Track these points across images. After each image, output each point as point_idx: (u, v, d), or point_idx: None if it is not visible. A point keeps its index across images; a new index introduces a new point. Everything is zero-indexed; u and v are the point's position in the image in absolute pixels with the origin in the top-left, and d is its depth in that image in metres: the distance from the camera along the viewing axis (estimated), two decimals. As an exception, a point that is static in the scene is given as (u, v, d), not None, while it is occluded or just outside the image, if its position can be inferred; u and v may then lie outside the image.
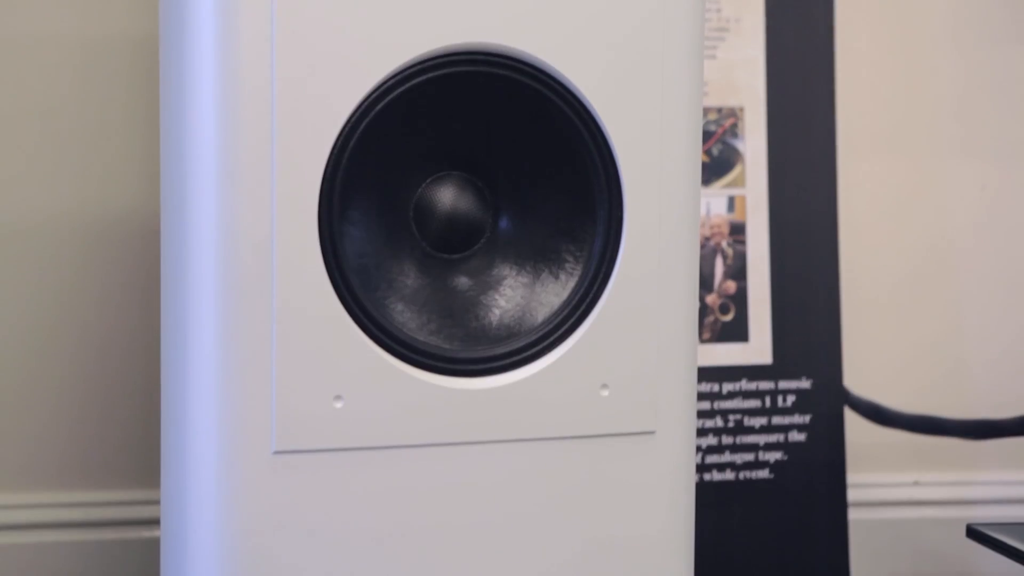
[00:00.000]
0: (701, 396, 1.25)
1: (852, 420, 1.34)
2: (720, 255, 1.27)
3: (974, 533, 1.10)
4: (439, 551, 0.85)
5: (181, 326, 0.83)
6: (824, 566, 1.28)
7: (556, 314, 0.87)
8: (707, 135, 1.27)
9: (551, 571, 0.87)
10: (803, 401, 1.28)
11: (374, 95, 0.82)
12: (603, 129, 0.86)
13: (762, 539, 1.26)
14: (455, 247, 0.87)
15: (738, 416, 1.27)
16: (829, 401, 1.28)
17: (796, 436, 1.27)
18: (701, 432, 1.25)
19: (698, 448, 1.25)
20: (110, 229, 1.25)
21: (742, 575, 1.26)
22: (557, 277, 0.87)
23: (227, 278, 0.81)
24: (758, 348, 1.27)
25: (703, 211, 1.26)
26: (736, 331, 1.27)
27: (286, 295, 0.81)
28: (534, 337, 0.86)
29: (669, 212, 0.87)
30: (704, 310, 1.25)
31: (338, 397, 0.82)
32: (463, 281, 0.87)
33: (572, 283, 0.87)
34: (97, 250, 1.25)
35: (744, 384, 1.27)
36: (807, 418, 1.28)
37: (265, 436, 0.81)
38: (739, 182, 1.28)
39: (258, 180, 0.80)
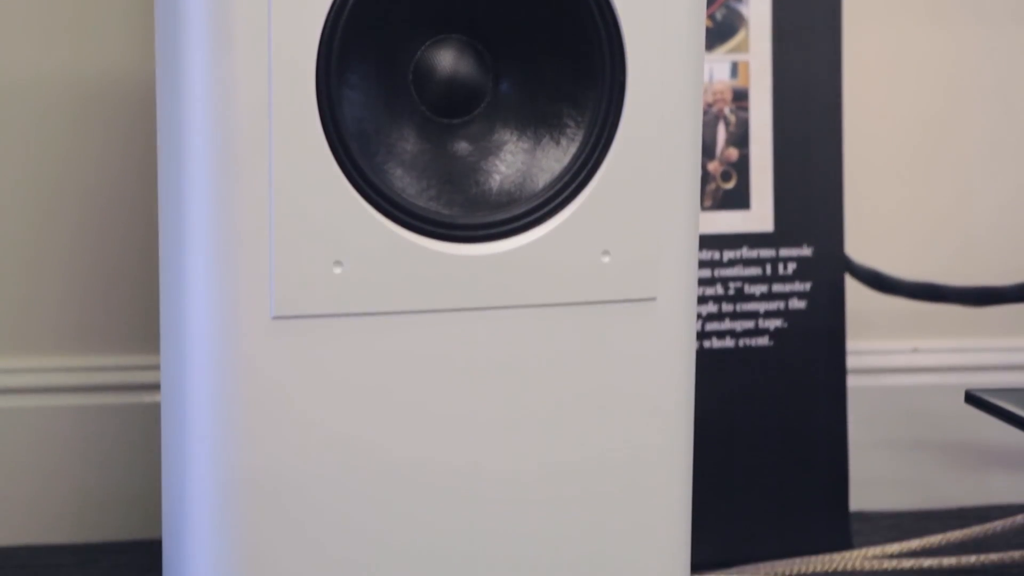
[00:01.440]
0: (702, 264, 1.25)
1: (852, 287, 1.34)
2: (722, 122, 1.26)
3: (973, 399, 1.10)
4: (437, 417, 0.85)
5: (178, 192, 0.83)
6: (823, 432, 1.28)
7: (557, 180, 0.86)
8: (710, -1, 1.26)
9: (550, 437, 0.87)
10: (804, 268, 1.28)
11: (372, -44, 0.81)
12: (605, -9, 0.85)
13: (761, 406, 1.27)
14: (455, 112, 0.86)
15: (738, 284, 1.27)
16: (830, 268, 1.28)
17: (796, 304, 1.28)
18: (701, 300, 1.25)
19: (698, 316, 1.25)
20: (106, 90, 1.23)
21: (741, 441, 1.27)
22: (558, 143, 0.87)
23: (224, 143, 0.80)
24: (759, 215, 1.27)
25: (706, 77, 1.25)
26: (737, 198, 1.27)
27: (284, 160, 0.80)
28: (535, 203, 0.86)
29: (672, 77, 0.87)
30: (706, 177, 1.25)
31: (337, 263, 0.82)
32: (463, 146, 0.86)
33: (573, 149, 0.86)
34: (93, 112, 1.24)
35: (745, 252, 1.27)
36: (807, 285, 1.28)
37: (264, 301, 0.81)
38: (742, 48, 1.26)
39: (254, 43, 0.79)
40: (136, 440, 1.26)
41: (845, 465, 1.29)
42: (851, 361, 1.35)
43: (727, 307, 1.26)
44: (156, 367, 1.25)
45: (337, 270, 0.82)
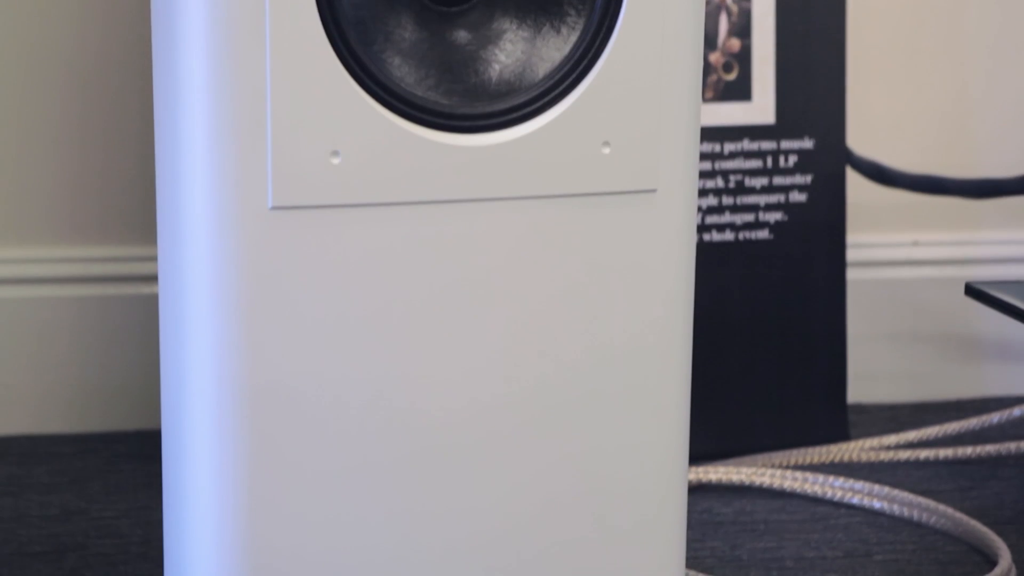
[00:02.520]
0: (702, 156, 1.24)
1: (853, 180, 1.34)
2: (725, 12, 1.25)
3: (972, 291, 1.10)
4: (436, 307, 0.85)
5: (173, 80, 0.82)
6: (822, 325, 1.29)
7: (557, 69, 0.85)
8: None
9: (549, 327, 0.87)
10: (805, 161, 1.27)
11: None
12: None
13: (761, 299, 1.27)
14: (453, -1, 0.85)
15: (739, 176, 1.26)
16: (831, 161, 1.28)
17: (797, 196, 1.27)
18: (701, 193, 1.25)
19: (698, 208, 1.24)
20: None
21: (740, 334, 1.27)
22: (558, 31, 0.86)
23: (219, 32, 0.79)
24: (761, 107, 1.26)
25: (708, -34, 1.24)
26: (739, 90, 1.26)
27: (281, 48, 0.79)
28: (535, 93, 0.85)
29: (674, -35, 0.86)
30: (707, 68, 1.24)
31: (335, 153, 0.81)
32: (462, 35, 0.85)
33: (574, 37, 0.85)
34: None
35: (746, 144, 1.26)
36: (808, 178, 1.27)
37: (262, 191, 0.81)
38: (745, -64, 1.25)
39: (250, -72, 0.78)
40: (135, 331, 1.26)
41: (844, 357, 1.29)
42: (851, 254, 1.35)
43: (727, 200, 1.26)
44: (155, 258, 1.25)
45: (335, 160, 0.81)
